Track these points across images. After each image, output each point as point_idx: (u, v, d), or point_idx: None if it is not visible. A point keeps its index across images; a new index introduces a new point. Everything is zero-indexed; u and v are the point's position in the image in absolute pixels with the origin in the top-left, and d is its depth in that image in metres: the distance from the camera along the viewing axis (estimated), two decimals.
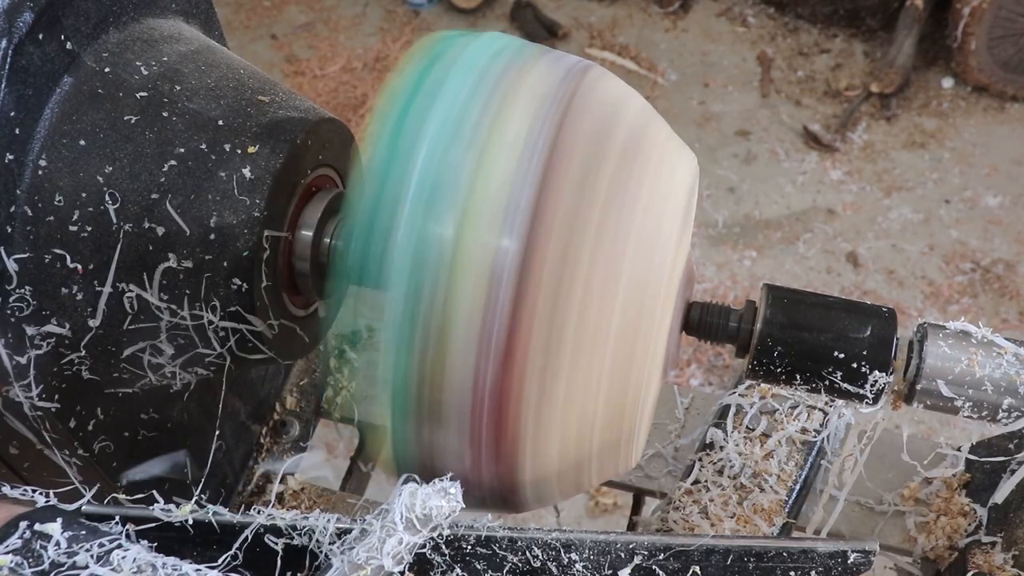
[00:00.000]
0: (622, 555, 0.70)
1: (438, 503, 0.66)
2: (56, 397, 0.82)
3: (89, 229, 0.78)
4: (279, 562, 0.68)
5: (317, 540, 0.67)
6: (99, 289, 0.79)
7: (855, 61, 3.73)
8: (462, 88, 0.76)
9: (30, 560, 0.60)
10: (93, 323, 0.80)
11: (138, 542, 0.64)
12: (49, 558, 0.60)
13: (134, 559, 0.60)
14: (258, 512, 0.69)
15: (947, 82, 3.63)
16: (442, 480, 0.67)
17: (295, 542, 0.68)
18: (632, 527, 1.34)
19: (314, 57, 3.79)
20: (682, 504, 1.10)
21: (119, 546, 0.61)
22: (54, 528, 0.61)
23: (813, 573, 0.69)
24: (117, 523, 0.65)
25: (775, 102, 3.60)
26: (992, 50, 3.45)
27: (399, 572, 0.64)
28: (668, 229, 0.77)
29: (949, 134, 3.47)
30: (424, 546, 0.69)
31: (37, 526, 0.61)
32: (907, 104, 3.58)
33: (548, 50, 0.82)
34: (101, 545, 0.61)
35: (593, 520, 2.41)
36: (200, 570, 0.60)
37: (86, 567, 0.59)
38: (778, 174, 3.36)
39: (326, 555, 0.66)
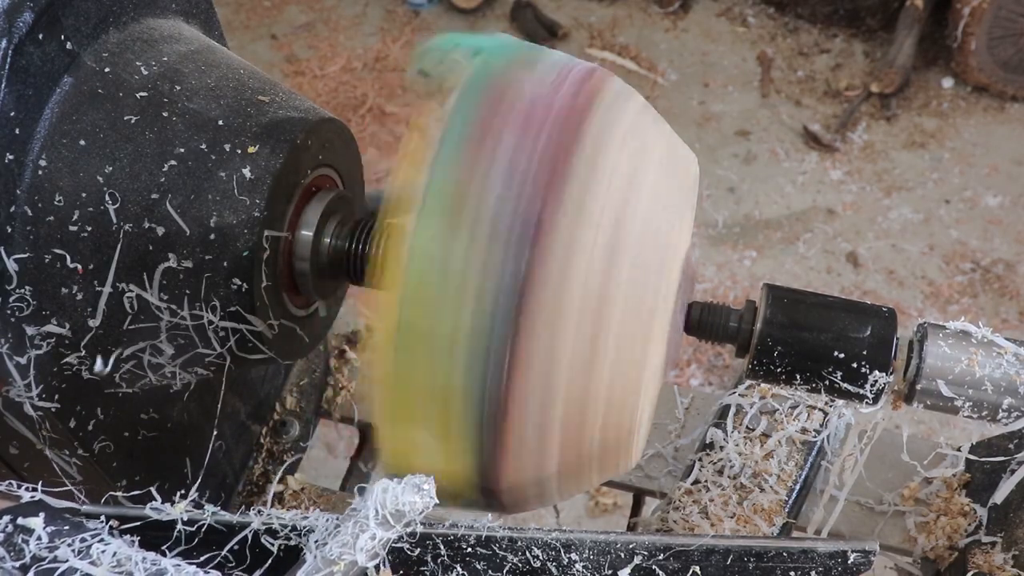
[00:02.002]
0: (622, 555, 0.70)
1: (411, 499, 0.66)
2: (56, 397, 0.82)
3: (89, 229, 0.78)
4: (269, 561, 0.68)
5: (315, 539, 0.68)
6: (99, 289, 0.79)
7: (855, 61, 3.73)
8: (465, 101, 0.76)
9: (12, 553, 0.60)
10: (93, 323, 0.80)
11: (120, 537, 0.64)
12: (31, 552, 0.61)
13: (114, 553, 0.61)
14: (258, 512, 0.69)
15: (947, 82, 3.63)
16: (416, 476, 0.67)
17: (292, 542, 0.68)
18: (632, 527, 1.34)
19: (314, 57, 3.79)
20: (682, 504, 1.10)
21: (100, 540, 0.61)
22: (36, 522, 0.62)
23: (813, 573, 0.69)
24: (102, 520, 0.65)
25: (775, 102, 3.60)
26: (992, 50, 3.45)
27: (372, 567, 0.65)
28: (668, 229, 0.77)
29: (949, 134, 3.47)
30: (418, 546, 0.69)
31: (20, 520, 0.62)
32: (907, 104, 3.58)
33: (548, 51, 0.82)
34: (83, 540, 0.62)
35: (593, 520, 2.41)
36: (179, 565, 0.61)
37: (66, 561, 0.60)
38: (778, 174, 3.36)
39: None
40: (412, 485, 0.67)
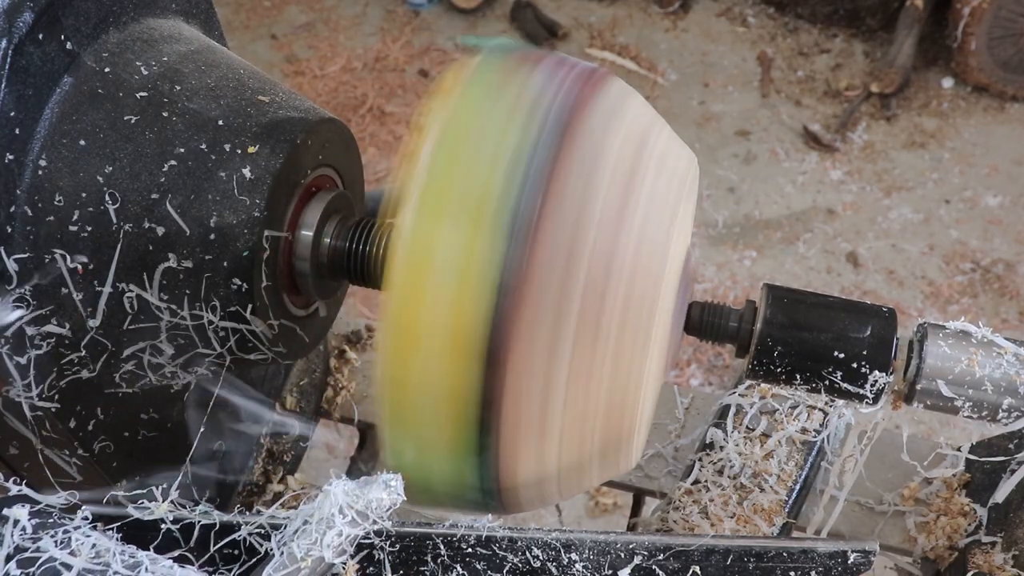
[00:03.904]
0: (622, 555, 0.70)
1: (379, 495, 0.66)
2: (56, 397, 0.82)
3: (89, 229, 0.78)
4: (253, 560, 0.68)
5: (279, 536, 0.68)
6: (99, 289, 0.79)
7: (855, 61, 3.73)
8: (469, 100, 0.76)
9: None
10: (93, 323, 0.80)
11: (104, 532, 0.65)
12: (14, 542, 0.62)
13: (93, 544, 0.62)
14: (257, 512, 0.70)
15: (947, 82, 3.63)
16: (384, 473, 0.68)
17: (270, 542, 0.68)
18: (632, 527, 1.34)
19: (314, 57, 3.79)
20: (682, 504, 1.10)
21: (82, 533, 0.63)
22: (21, 513, 0.63)
23: (813, 573, 0.69)
24: (86, 516, 0.66)
25: (775, 102, 3.60)
26: (992, 50, 3.45)
27: (340, 564, 0.65)
28: (668, 229, 0.78)
29: (949, 134, 3.47)
30: (418, 546, 0.69)
31: (4, 511, 0.63)
32: (907, 104, 3.58)
33: (548, 52, 0.83)
34: (65, 532, 0.63)
35: (593, 520, 2.41)
36: (156, 560, 0.62)
37: (48, 551, 0.61)
38: (778, 174, 3.36)
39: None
40: (380, 482, 0.67)
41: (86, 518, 0.65)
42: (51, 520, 0.64)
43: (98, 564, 0.61)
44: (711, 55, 3.79)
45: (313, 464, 1.31)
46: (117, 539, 0.65)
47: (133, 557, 0.62)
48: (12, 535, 0.62)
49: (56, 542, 0.62)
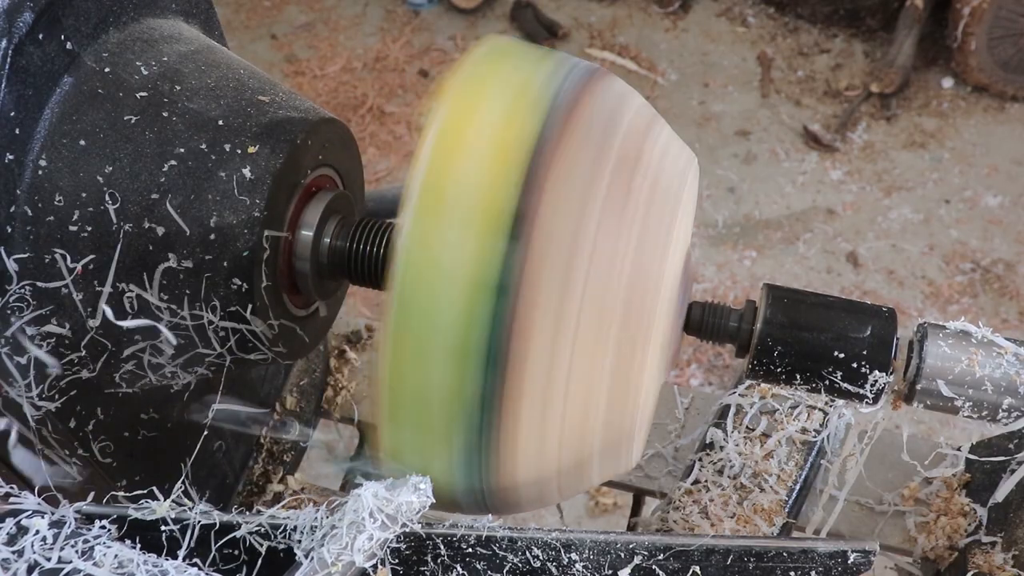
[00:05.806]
0: (622, 555, 0.70)
1: (408, 499, 0.66)
2: (56, 397, 0.82)
3: (89, 229, 0.78)
4: (259, 562, 0.68)
5: (298, 540, 0.68)
6: (99, 289, 0.79)
7: (855, 61, 3.73)
8: (468, 96, 0.76)
9: (16, 555, 0.61)
10: (93, 323, 0.80)
11: (123, 541, 0.65)
12: (35, 553, 0.61)
13: (116, 555, 0.61)
14: (257, 512, 0.69)
15: (947, 82, 3.63)
16: (413, 476, 0.67)
17: (283, 545, 0.68)
18: (632, 527, 1.34)
19: (314, 57, 3.79)
20: (682, 504, 1.10)
21: (102, 543, 0.62)
22: (41, 524, 0.62)
23: (813, 573, 0.69)
24: (103, 525, 0.66)
25: (775, 102, 3.60)
26: (992, 50, 3.45)
27: (370, 567, 0.65)
28: (668, 229, 0.78)
29: (949, 134, 3.47)
30: (418, 546, 0.69)
31: (24, 521, 0.62)
32: (907, 104, 3.58)
33: (550, 51, 0.82)
34: (86, 542, 0.63)
35: (593, 520, 2.41)
36: (180, 566, 0.61)
37: (70, 562, 0.61)
38: (778, 174, 3.36)
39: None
40: (409, 485, 0.67)
41: (104, 527, 0.65)
42: (70, 530, 0.63)
43: (123, 575, 0.60)
44: (711, 55, 3.79)
45: (313, 464, 1.31)
46: (139, 548, 0.64)
47: (157, 566, 0.61)
48: (33, 546, 0.61)
49: (77, 551, 0.62)
